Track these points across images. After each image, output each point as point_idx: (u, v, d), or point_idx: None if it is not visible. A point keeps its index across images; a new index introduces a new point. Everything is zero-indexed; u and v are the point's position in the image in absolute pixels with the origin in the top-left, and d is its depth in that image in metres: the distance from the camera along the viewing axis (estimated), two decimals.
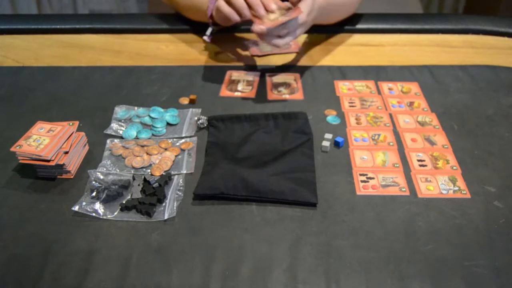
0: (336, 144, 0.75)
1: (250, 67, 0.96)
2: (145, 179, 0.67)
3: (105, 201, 0.65)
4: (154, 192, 0.65)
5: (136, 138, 0.77)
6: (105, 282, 0.55)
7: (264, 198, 0.65)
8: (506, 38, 1.06)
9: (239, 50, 1.02)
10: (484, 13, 1.99)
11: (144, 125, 0.80)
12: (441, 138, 0.77)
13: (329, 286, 0.55)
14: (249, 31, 1.06)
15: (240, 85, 0.90)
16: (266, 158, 0.71)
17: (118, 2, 2.45)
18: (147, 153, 0.73)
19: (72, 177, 0.69)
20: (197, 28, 1.06)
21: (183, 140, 0.76)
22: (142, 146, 0.74)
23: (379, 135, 0.78)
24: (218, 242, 0.60)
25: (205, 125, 0.79)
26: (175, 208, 0.63)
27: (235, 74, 0.94)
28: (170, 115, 0.81)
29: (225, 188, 0.65)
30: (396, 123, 0.81)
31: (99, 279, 0.55)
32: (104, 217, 0.63)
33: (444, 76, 0.93)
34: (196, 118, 0.80)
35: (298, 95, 0.88)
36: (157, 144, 0.75)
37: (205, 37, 0.98)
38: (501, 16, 1.96)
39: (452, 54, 1.01)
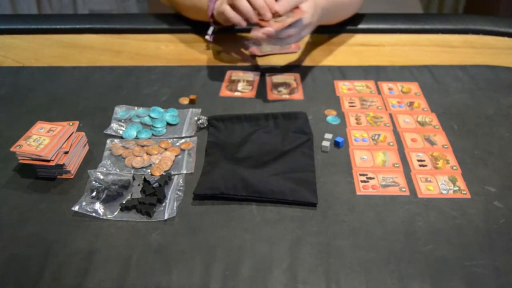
0: (336, 144, 0.75)
1: (250, 67, 0.96)
2: (145, 179, 0.67)
3: (105, 201, 0.65)
4: (154, 192, 0.65)
5: (136, 138, 0.77)
6: (105, 282, 0.55)
7: (264, 198, 0.65)
8: (506, 38, 1.06)
9: (239, 50, 1.02)
10: (484, 13, 1.99)
11: (144, 125, 0.80)
12: (441, 138, 0.77)
13: (329, 286, 0.55)
14: (249, 31, 1.06)
15: (240, 85, 0.90)
16: (266, 158, 0.71)
17: (118, 2, 2.45)
18: (147, 153, 0.73)
19: (72, 177, 0.69)
20: (197, 28, 1.06)
21: (183, 140, 0.76)
22: (142, 146, 0.74)
23: (379, 135, 0.78)
24: (218, 242, 0.60)
25: (205, 125, 0.79)
26: (175, 208, 0.63)
27: (235, 74, 0.94)
28: (170, 115, 0.81)
29: (225, 188, 0.65)
30: (396, 123, 0.81)
31: (99, 279, 0.55)
32: (104, 217, 0.63)
33: (444, 76, 0.93)
34: (196, 118, 0.80)
35: (298, 95, 0.88)
36: (157, 144, 0.75)
37: (207, 37, 0.98)
38: (501, 16, 1.96)
39: (452, 54, 1.01)
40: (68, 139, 0.70)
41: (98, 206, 0.64)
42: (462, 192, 0.67)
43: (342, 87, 0.90)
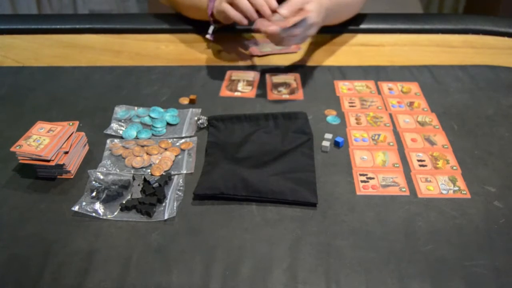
0: (336, 144, 0.75)
1: (250, 67, 0.96)
2: (145, 179, 0.67)
3: (105, 201, 0.65)
4: (154, 192, 0.65)
5: (136, 138, 0.77)
6: (105, 282, 0.55)
7: (264, 198, 0.65)
8: (506, 38, 1.06)
9: (239, 50, 1.02)
10: (484, 13, 1.99)
11: (144, 125, 0.80)
12: (441, 138, 0.77)
13: (329, 286, 0.55)
14: (249, 31, 1.06)
15: (240, 85, 0.90)
16: (266, 158, 0.71)
17: (118, 2, 2.45)
18: (147, 153, 0.73)
19: (72, 177, 0.69)
20: (197, 28, 1.06)
21: (183, 140, 0.76)
22: (142, 146, 0.74)
23: (379, 135, 0.78)
24: (218, 242, 0.60)
25: (205, 125, 0.79)
26: (175, 208, 0.63)
27: (235, 74, 0.94)
28: (170, 115, 0.81)
29: (225, 188, 0.65)
30: (396, 123, 0.81)
31: (99, 279, 0.55)
32: (104, 217, 0.63)
33: (444, 76, 0.93)
34: (196, 118, 0.80)
35: (298, 95, 0.88)
36: (157, 144, 0.75)
37: (207, 36, 0.97)
38: (501, 16, 1.96)
39: (452, 54, 1.01)
40: (68, 139, 0.70)
41: (98, 206, 0.64)
42: (462, 192, 0.67)
43: (342, 87, 0.90)
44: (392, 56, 1.01)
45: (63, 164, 0.68)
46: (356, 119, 0.81)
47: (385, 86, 0.90)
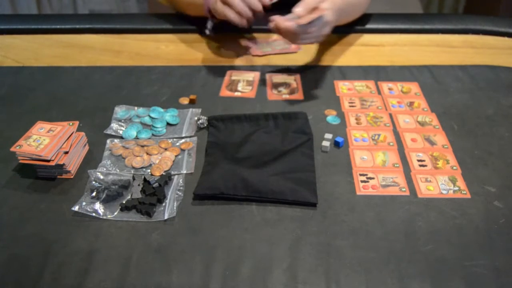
0: (336, 144, 0.75)
1: (250, 67, 0.96)
2: (145, 179, 0.67)
3: (105, 201, 0.65)
4: (154, 192, 0.65)
5: (136, 138, 0.77)
6: (105, 282, 0.55)
7: (264, 198, 0.65)
8: (506, 38, 1.06)
9: (239, 50, 1.02)
10: (484, 13, 1.99)
11: (144, 125, 0.80)
12: (441, 138, 0.77)
13: (329, 286, 0.55)
14: (249, 31, 1.06)
15: (240, 85, 0.90)
16: (266, 158, 0.71)
17: (118, 2, 2.45)
18: (147, 153, 0.73)
19: (72, 177, 0.69)
20: (197, 28, 1.06)
21: (183, 140, 0.76)
22: (142, 146, 0.74)
23: (379, 135, 0.78)
24: (218, 242, 0.60)
25: (205, 125, 0.79)
26: (175, 208, 0.63)
27: (235, 74, 0.94)
28: (170, 115, 0.81)
29: (225, 188, 0.65)
30: (396, 123, 0.81)
31: (99, 279, 0.55)
32: (104, 217, 0.63)
33: (444, 76, 0.93)
34: (196, 118, 0.80)
35: (298, 95, 0.88)
36: (157, 144, 0.75)
37: (206, 31, 0.97)
38: (501, 16, 1.96)
39: (452, 54, 1.01)
40: (68, 139, 0.70)
41: (98, 206, 0.64)
42: (462, 192, 0.67)
43: (342, 87, 0.90)
44: (392, 56, 1.01)
45: (63, 164, 0.68)
46: (356, 119, 0.81)
47: (385, 86, 0.90)
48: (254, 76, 0.93)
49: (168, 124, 0.80)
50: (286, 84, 0.91)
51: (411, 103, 0.86)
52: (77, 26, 1.09)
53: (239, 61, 0.98)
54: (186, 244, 0.59)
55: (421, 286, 0.54)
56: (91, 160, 0.73)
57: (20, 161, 0.67)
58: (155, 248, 0.59)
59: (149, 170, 0.70)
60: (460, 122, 0.81)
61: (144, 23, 1.11)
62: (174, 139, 0.76)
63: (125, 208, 0.64)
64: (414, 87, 0.90)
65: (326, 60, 0.99)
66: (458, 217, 0.63)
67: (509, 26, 1.07)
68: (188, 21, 1.08)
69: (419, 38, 1.07)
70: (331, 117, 0.82)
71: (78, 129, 0.73)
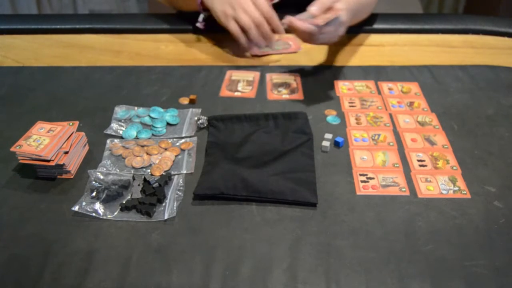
0: (336, 144, 0.75)
1: (250, 67, 0.96)
2: (145, 179, 0.67)
3: (105, 201, 0.65)
4: (154, 192, 0.65)
5: (136, 138, 0.77)
6: (105, 282, 0.55)
7: (264, 198, 0.65)
8: (506, 38, 1.06)
9: (239, 50, 1.02)
10: (484, 13, 1.99)
11: (144, 125, 0.80)
12: (441, 138, 0.77)
13: (329, 286, 0.55)
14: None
15: (240, 85, 0.90)
16: (266, 158, 0.71)
17: (118, 2, 2.45)
18: (147, 153, 0.73)
19: (72, 177, 0.69)
20: (197, 28, 1.06)
21: (183, 140, 0.76)
22: (142, 146, 0.74)
23: (379, 135, 0.78)
24: (218, 242, 0.60)
25: (205, 125, 0.79)
26: (175, 208, 0.63)
27: (235, 74, 0.94)
28: (170, 115, 0.81)
29: (225, 188, 0.65)
30: (396, 123, 0.81)
31: (99, 279, 0.55)
32: (104, 217, 0.63)
33: (444, 76, 0.93)
34: (196, 118, 0.80)
35: (298, 95, 0.88)
36: (157, 144, 0.75)
37: (198, 24, 0.97)
38: (501, 16, 1.96)
39: (452, 54, 1.01)
40: (68, 139, 0.70)
41: (98, 206, 0.64)
42: (462, 192, 0.67)
43: (342, 87, 0.90)
44: (392, 56, 1.01)
45: (63, 164, 0.68)
46: (356, 119, 0.81)
47: (385, 86, 0.90)
48: (254, 76, 0.93)
49: (168, 124, 0.80)
50: (286, 84, 0.91)
51: (411, 103, 0.86)
52: (77, 26, 1.09)
53: (239, 61, 0.98)
54: (186, 244, 0.59)
55: (421, 286, 0.54)
56: (91, 160, 0.73)
57: (20, 161, 0.67)
58: (155, 248, 0.59)
59: (149, 170, 0.70)
60: (460, 122, 0.81)
61: (144, 23, 1.11)
62: (174, 139, 0.76)
63: (125, 208, 0.64)
64: (414, 87, 0.90)
65: (326, 60, 0.99)
66: (458, 217, 0.63)
67: (509, 26, 1.07)
68: (188, 21, 1.08)
69: (419, 38, 1.07)
70: (331, 117, 0.82)
71: (78, 129, 0.73)
